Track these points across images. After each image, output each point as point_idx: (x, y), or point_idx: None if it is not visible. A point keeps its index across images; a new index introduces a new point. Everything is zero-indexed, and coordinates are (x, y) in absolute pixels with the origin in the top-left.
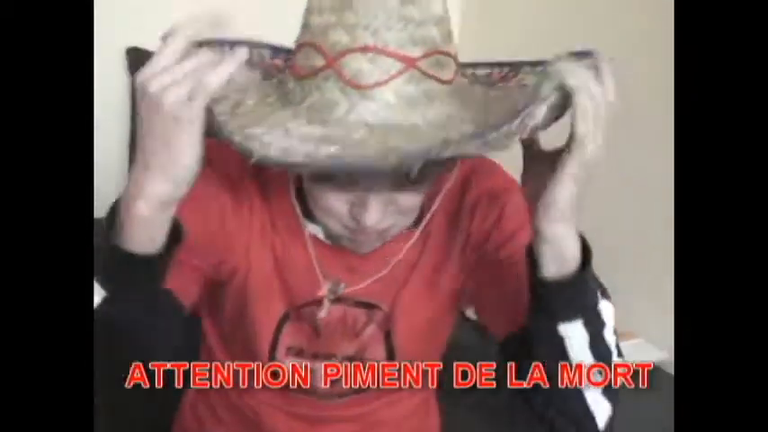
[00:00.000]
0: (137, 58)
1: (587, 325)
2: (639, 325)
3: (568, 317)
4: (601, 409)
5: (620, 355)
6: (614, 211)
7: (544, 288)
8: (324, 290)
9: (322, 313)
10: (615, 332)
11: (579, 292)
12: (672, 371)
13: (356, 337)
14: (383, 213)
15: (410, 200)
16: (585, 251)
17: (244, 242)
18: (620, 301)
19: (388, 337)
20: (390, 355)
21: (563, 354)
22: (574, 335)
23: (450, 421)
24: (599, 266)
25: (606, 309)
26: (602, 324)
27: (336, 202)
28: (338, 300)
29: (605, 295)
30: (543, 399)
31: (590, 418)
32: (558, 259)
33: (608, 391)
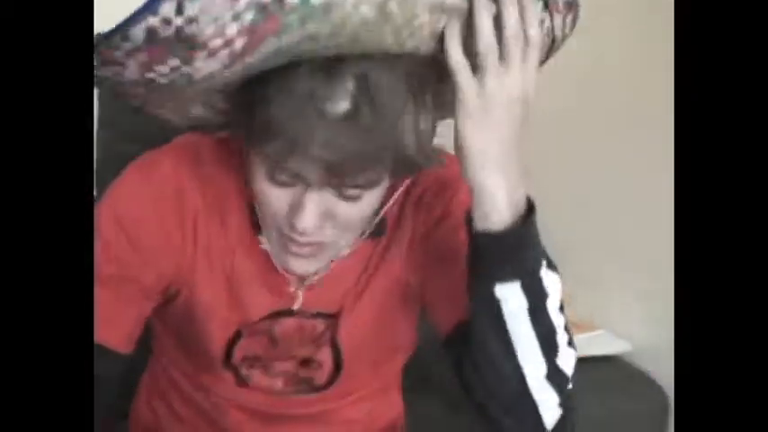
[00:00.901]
0: None
1: (525, 289)
2: (603, 317)
3: (504, 276)
4: (548, 403)
5: (570, 344)
6: (585, 199)
7: (476, 242)
8: (278, 305)
9: (278, 328)
10: (562, 310)
11: (514, 248)
12: (634, 362)
13: (313, 343)
14: (318, 219)
15: (349, 212)
16: (529, 209)
17: (188, 258)
18: (585, 291)
19: (333, 342)
20: (337, 359)
21: (499, 321)
22: (510, 298)
23: (415, 413)
24: (566, 255)
25: (550, 279)
26: (543, 293)
27: (277, 202)
28: (295, 313)
29: (551, 267)
30: (484, 391)
31: (533, 412)
32: (486, 210)
33: (556, 384)
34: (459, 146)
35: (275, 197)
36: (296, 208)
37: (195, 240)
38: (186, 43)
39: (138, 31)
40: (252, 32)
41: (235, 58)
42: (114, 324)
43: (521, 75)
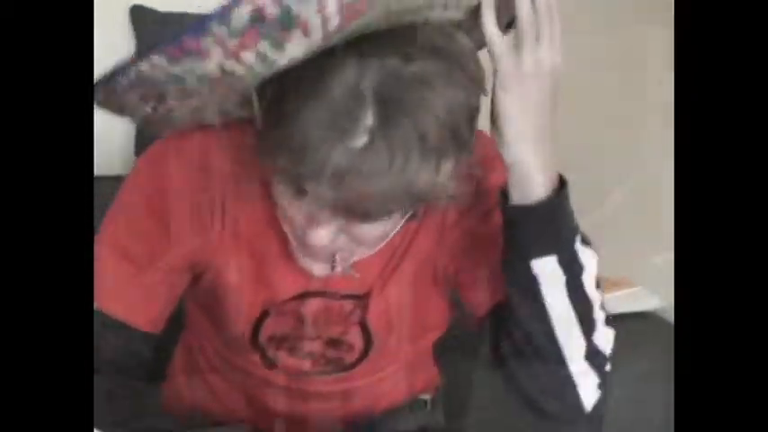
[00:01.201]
0: (142, 17)
1: (562, 263)
2: (636, 270)
3: (540, 251)
4: (587, 384)
5: (607, 323)
6: (602, 140)
7: (511, 217)
8: (306, 286)
9: (305, 309)
10: (599, 286)
11: (549, 222)
12: (669, 318)
13: (342, 324)
14: (332, 235)
15: (365, 232)
16: (562, 185)
17: (216, 237)
18: (611, 244)
19: (363, 323)
20: (366, 340)
21: (537, 297)
22: (547, 272)
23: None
24: (585, 203)
25: (585, 253)
26: (580, 267)
27: (291, 209)
28: (323, 294)
29: (586, 242)
30: (523, 373)
31: (574, 393)
32: (521, 184)
33: (595, 364)
34: (495, 118)
35: (291, 205)
36: (310, 221)
37: (223, 219)
38: (288, 22)
39: (243, 14)
40: (347, 9)
41: (328, 38)
42: (142, 305)
43: (551, 49)
